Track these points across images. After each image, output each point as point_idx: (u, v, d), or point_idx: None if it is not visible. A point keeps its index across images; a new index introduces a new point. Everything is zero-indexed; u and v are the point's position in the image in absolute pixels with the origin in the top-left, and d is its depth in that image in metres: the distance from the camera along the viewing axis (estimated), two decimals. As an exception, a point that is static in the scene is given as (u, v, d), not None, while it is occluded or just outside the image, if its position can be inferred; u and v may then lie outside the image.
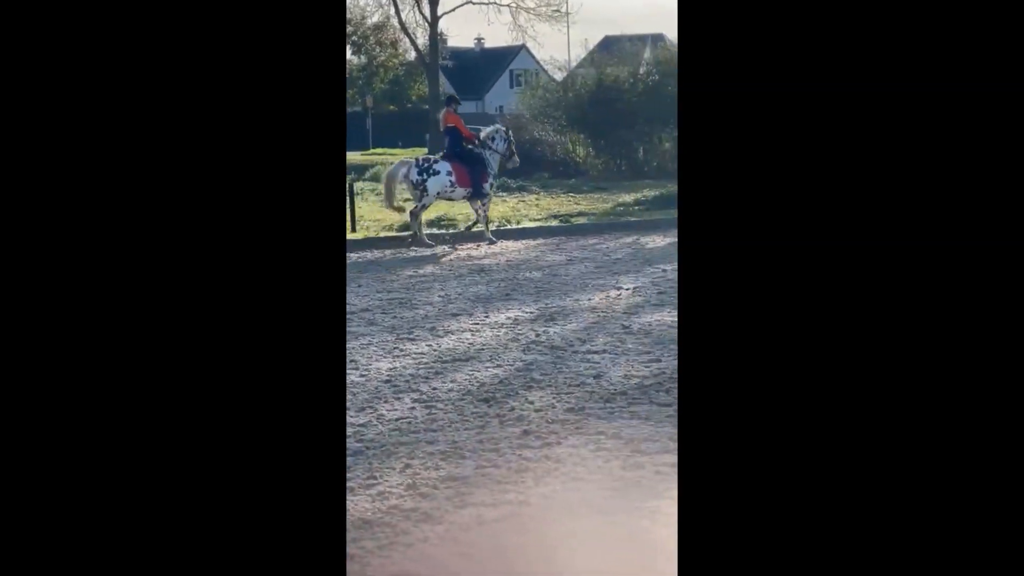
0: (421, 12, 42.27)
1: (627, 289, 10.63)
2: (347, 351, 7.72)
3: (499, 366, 7.47)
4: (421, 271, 12.72)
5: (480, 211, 15.93)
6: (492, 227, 16.10)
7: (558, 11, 42.93)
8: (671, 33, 41.02)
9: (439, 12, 41.70)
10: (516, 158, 16.53)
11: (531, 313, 9.51)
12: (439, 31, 43.55)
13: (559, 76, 35.31)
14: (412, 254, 14.57)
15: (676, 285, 3.00)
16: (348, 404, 6.36)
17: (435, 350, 8.03)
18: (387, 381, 7.09)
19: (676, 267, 2.73)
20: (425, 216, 16.05)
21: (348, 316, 9.35)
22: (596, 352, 7.78)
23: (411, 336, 8.60)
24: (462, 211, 17.52)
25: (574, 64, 40.89)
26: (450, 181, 15.51)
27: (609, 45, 39.48)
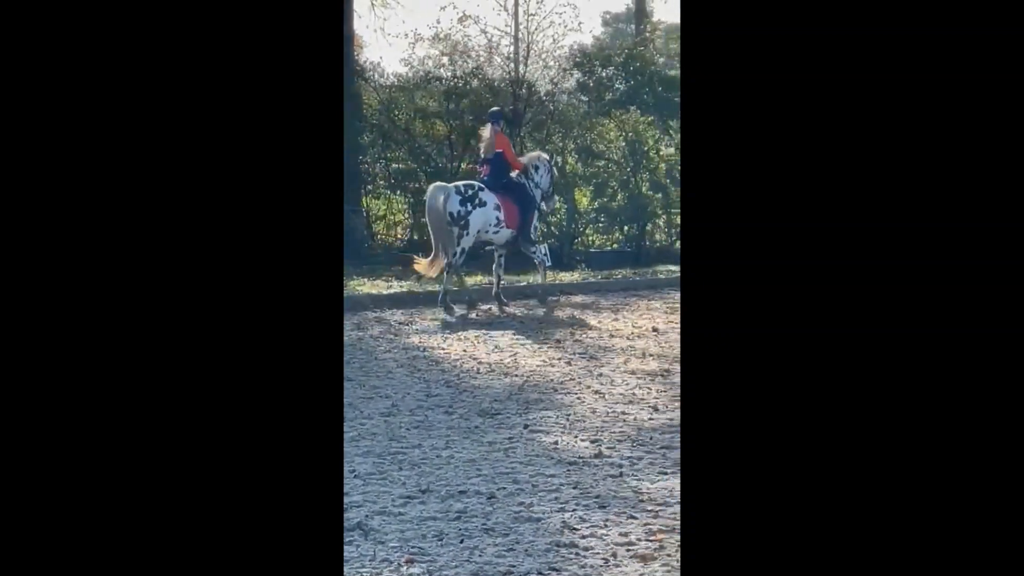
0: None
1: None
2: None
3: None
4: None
5: (540, 263, 12.67)
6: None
7: None
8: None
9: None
10: (556, 198, 13.66)
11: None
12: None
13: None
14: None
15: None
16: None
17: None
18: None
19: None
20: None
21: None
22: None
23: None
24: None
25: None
26: (497, 218, 12.04)
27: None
